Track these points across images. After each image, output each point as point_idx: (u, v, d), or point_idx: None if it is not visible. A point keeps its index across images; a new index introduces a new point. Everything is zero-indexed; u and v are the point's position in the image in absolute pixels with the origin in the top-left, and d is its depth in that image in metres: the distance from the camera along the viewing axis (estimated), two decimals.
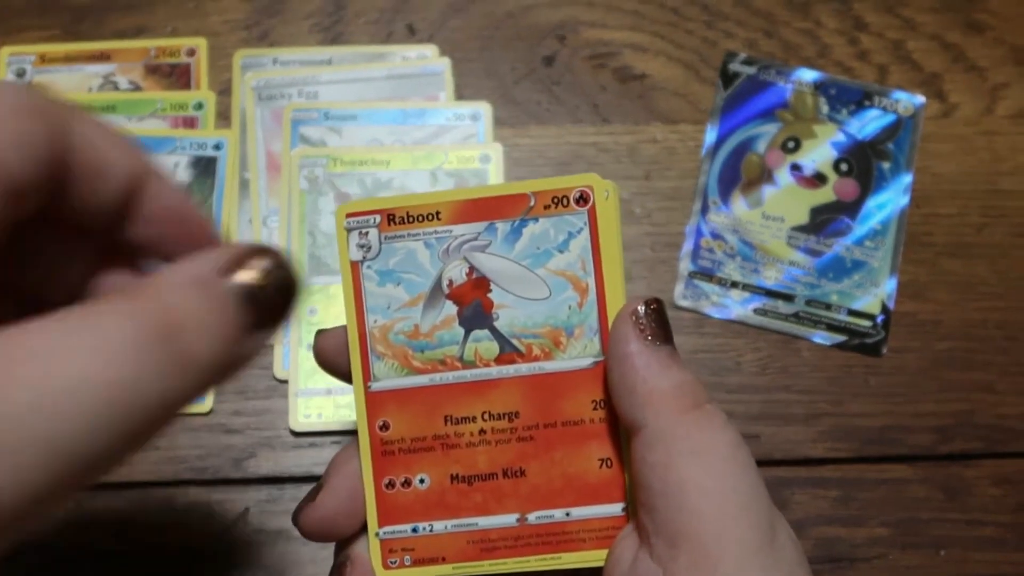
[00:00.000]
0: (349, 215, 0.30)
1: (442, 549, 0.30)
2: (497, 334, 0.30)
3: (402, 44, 0.50)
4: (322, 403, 0.45)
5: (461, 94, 0.49)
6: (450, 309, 0.30)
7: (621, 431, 0.29)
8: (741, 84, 0.49)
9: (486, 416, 0.29)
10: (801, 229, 0.47)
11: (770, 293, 0.47)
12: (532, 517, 0.30)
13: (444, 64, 0.49)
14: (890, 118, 0.49)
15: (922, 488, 0.45)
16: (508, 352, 0.29)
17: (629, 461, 0.28)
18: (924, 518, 0.44)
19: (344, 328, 0.30)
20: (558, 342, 0.29)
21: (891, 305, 0.47)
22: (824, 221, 0.48)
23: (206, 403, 0.45)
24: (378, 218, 0.30)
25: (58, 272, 0.26)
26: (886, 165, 0.48)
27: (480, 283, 0.30)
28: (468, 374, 0.30)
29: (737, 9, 0.51)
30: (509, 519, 0.30)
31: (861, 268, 0.47)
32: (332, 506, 0.30)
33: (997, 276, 0.47)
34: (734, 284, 0.47)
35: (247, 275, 0.23)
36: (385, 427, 0.30)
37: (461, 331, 0.30)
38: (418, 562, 0.30)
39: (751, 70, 0.49)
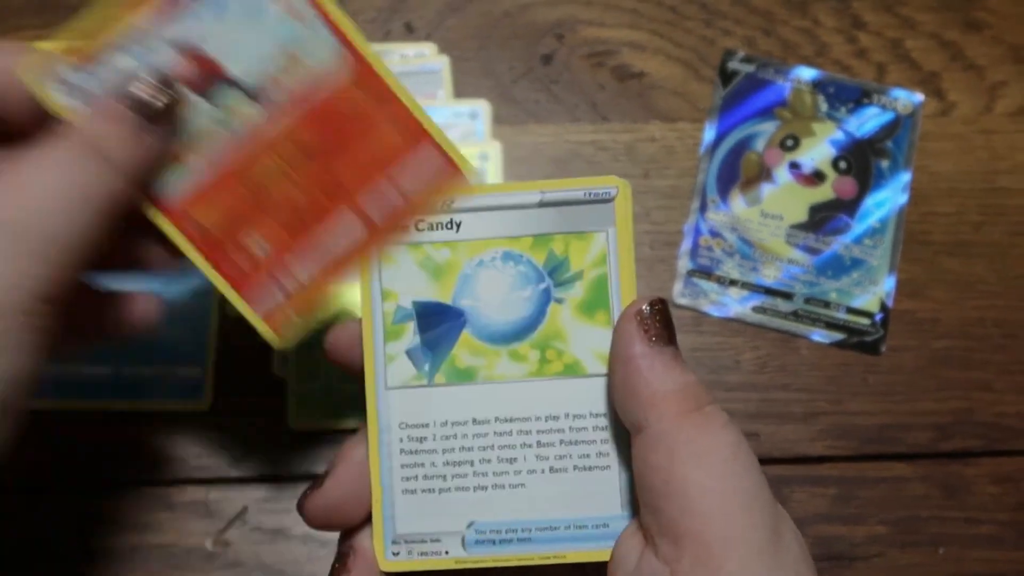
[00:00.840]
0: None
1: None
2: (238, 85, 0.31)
3: (400, 42, 0.50)
4: (321, 402, 0.45)
5: (459, 92, 0.49)
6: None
7: (618, 432, 0.29)
8: (740, 82, 0.49)
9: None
10: (800, 227, 0.47)
11: (769, 291, 0.47)
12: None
13: (442, 62, 0.49)
14: (889, 116, 0.49)
15: (921, 486, 0.45)
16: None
17: (631, 462, 0.28)
18: (923, 516, 0.44)
19: (358, 322, 0.30)
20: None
21: (890, 303, 0.47)
22: (823, 219, 0.48)
23: (204, 401, 0.44)
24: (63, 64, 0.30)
25: None
26: (885, 163, 0.48)
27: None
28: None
29: (735, 7, 0.51)
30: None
31: (860, 266, 0.47)
32: (337, 495, 0.30)
33: (995, 274, 0.47)
34: (733, 282, 0.47)
35: (133, 92, 0.29)
36: (200, 226, 0.30)
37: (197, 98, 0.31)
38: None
39: (750, 68, 0.49)
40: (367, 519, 0.30)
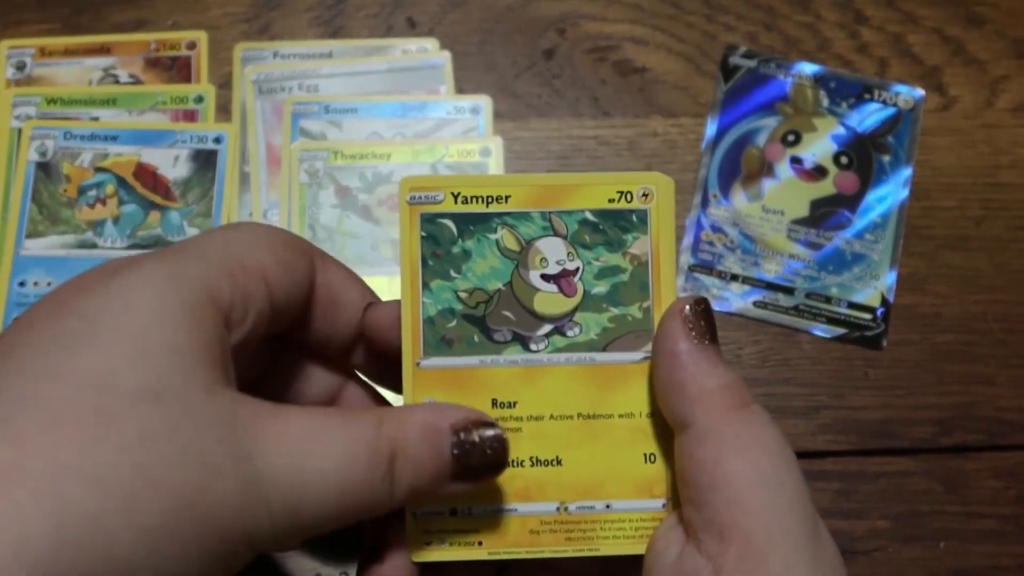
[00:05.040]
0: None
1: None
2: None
3: (402, 37, 0.50)
4: None
5: (461, 87, 0.49)
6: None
7: (659, 427, 0.29)
8: (741, 77, 0.49)
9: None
10: (801, 222, 0.47)
11: (770, 286, 0.47)
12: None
13: (444, 57, 0.49)
14: (890, 111, 0.49)
15: (922, 481, 0.45)
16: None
17: (673, 457, 0.28)
18: (924, 511, 0.44)
19: (398, 303, 0.30)
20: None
21: (891, 298, 0.47)
22: (824, 214, 0.48)
23: None
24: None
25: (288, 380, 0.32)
26: (886, 158, 0.48)
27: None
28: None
29: (737, 3, 0.51)
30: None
31: (861, 261, 0.47)
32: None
33: (997, 269, 0.47)
34: (734, 277, 0.47)
35: (472, 438, 0.27)
36: None
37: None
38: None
39: (751, 63, 0.49)
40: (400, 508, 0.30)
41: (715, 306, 0.47)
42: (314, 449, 0.25)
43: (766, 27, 0.50)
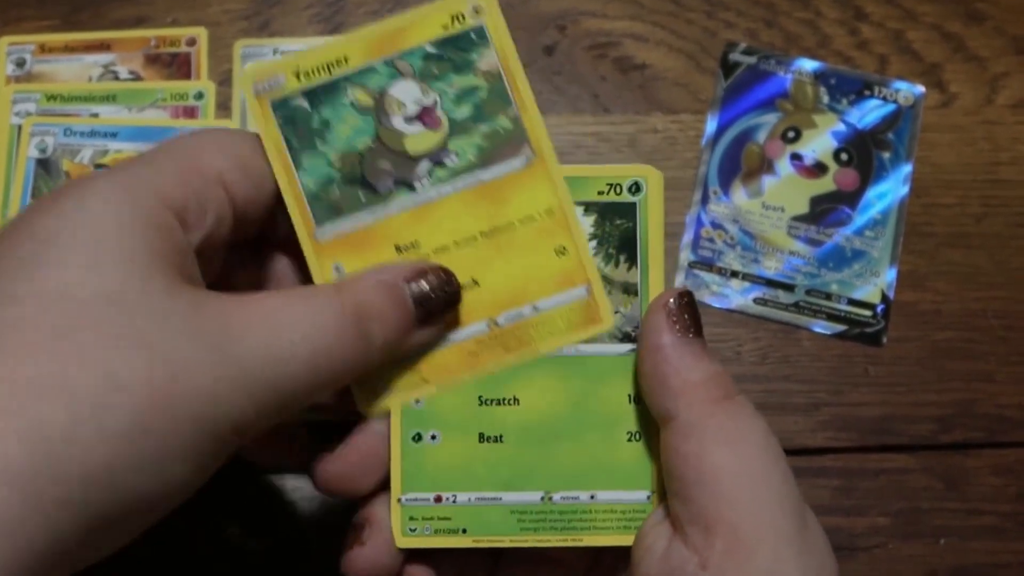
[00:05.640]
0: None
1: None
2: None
3: None
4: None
5: None
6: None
7: (642, 417, 0.29)
8: (741, 74, 0.49)
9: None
10: (801, 219, 0.47)
11: (770, 283, 0.47)
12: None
13: None
14: (890, 108, 0.49)
15: (922, 478, 0.45)
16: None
17: (657, 450, 0.28)
18: (924, 508, 0.44)
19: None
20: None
21: (891, 295, 0.47)
22: (824, 211, 0.48)
23: None
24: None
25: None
26: (886, 155, 0.48)
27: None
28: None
29: None
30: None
31: (861, 258, 0.47)
32: (352, 460, 0.30)
33: (997, 266, 0.47)
34: (734, 274, 0.47)
35: (423, 284, 0.28)
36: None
37: None
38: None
39: (751, 60, 0.49)
40: (379, 489, 0.30)
41: (715, 303, 0.47)
42: (281, 323, 0.25)
43: (766, 23, 0.50)
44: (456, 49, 0.30)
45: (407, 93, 0.30)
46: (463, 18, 0.30)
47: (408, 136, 0.30)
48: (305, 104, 0.30)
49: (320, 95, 0.30)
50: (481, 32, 0.30)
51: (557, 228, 0.30)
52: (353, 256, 0.29)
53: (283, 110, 0.30)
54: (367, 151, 0.30)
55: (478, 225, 0.30)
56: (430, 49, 0.30)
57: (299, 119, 0.30)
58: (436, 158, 0.30)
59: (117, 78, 0.49)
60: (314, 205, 0.30)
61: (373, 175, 0.30)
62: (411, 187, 0.30)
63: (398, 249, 0.30)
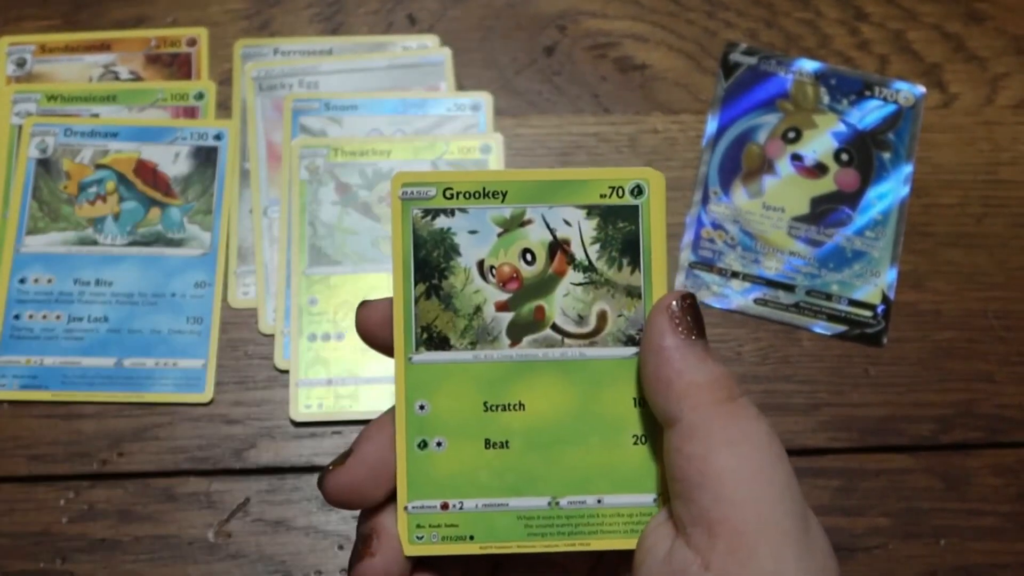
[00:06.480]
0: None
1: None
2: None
3: (403, 34, 0.50)
4: (323, 393, 0.45)
5: (462, 84, 0.49)
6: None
7: (647, 420, 0.29)
8: (742, 74, 0.49)
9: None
10: (802, 219, 0.47)
11: (770, 283, 0.47)
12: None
13: (445, 54, 0.49)
14: (890, 108, 0.49)
15: (922, 478, 0.45)
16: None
17: (662, 452, 0.28)
18: (924, 508, 0.44)
19: (389, 300, 0.29)
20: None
21: (891, 295, 0.47)
22: (824, 211, 0.48)
23: (207, 394, 0.44)
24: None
25: None
26: (886, 155, 0.48)
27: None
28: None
29: None
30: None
31: (861, 258, 0.47)
32: (360, 472, 0.29)
33: (997, 266, 0.47)
34: (735, 274, 0.47)
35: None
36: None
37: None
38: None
39: (752, 60, 0.49)
40: (389, 499, 0.30)
41: (715, 303, 0.47)
42: None
43: (767, 24, 0.50)
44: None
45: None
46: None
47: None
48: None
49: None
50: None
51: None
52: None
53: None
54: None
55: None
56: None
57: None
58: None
59: (117, 78, 0.49)
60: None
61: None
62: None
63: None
